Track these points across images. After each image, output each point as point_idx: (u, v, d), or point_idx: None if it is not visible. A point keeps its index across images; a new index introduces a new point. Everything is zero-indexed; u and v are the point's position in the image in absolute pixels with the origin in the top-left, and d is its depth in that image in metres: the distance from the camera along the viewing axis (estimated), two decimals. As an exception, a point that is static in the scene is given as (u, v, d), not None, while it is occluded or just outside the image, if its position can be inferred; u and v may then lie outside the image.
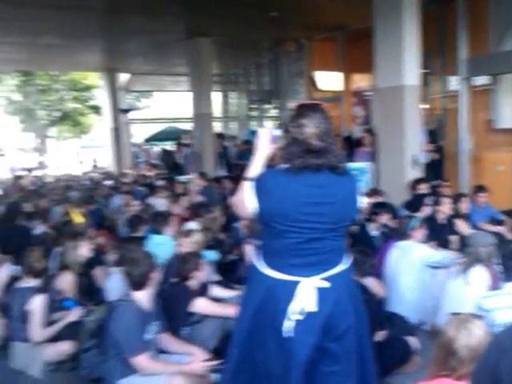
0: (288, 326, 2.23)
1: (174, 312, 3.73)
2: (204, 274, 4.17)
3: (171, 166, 15.86)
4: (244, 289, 2.54)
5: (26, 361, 3.94)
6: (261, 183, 2.31)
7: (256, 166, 2.43)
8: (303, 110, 2.32)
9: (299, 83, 13.74)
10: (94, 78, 23.25)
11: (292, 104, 2.54)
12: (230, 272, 5.49)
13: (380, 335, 3.69)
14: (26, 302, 4.03)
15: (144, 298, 3.41)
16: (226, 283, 4.92)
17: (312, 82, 12.24)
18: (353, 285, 2.48)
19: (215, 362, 3.32)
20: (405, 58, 6.95)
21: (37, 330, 4.01)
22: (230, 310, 3.88)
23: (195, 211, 6.50)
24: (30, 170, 23.02)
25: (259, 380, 2.35)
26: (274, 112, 15.75)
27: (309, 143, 2.25)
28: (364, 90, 11.65)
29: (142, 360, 3.22)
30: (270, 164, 2.45)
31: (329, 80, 12.33)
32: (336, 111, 11.70)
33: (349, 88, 12.08)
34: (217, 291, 4.44)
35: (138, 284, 3.40)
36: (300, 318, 2.23)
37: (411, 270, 4.53)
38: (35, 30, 10.87)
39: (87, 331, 3.68)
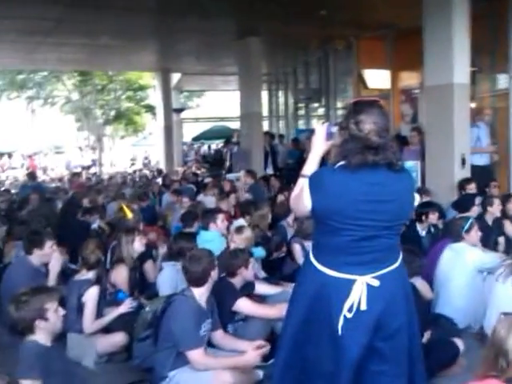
0: (340, 324, 2.23)
1: (218, 309, 3.76)
2: (251, 271, 4.18)
3: (220, 163, 16.08)
4: (296, 284, 2.54)
5: (80, 352, 4.03)
6: (317, 180, 2.30)
7: (312, 164, 2.42)
8: (360, 106, 2.29)
9: (347, 81, 13.60)
10: (149, 78, 23.74)
11: (349, 101, 2.51)
12: (276, 269, 5.52)
13: (426, 336, 3.62)
14: (81, 294, 4.13)
15: (201, 294, 3.47)
16: (271, 280, 4.95)
17: (361, 80, 12.09)
18: (407, 284, 2.45)
19: (267, 348, 3.34)
20: (454, 56, 6.78)
21: (88, 321, 4.10)
22: (273, 312, 3.90)
23: (244, 208, 6.55)
24: (86, 168, 23.82)
25: (309, 376, 2.35)
26: (321, 111, 15.64)
27: (367, 139, 2.21)
28: (412, 88, 11.43)
29: (196, 354, 3.29)
30: (325, 161, 2.44)
31: (377, 78, 12.17)
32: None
33: (397, 86, 11.87)
34: (263, 288, 4.45)
35: (196, 281, 3.47)
36: (352, 316, 2.22)
37: (463, 273, 4.37)
38: (93, 31, 11.17)
39: (143, 322, 3.75)
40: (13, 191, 12.72)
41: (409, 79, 11.66)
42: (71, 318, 4.09)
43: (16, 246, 5.67)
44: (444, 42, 6.85)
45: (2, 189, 13.61)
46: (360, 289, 2.23)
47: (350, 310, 2.22)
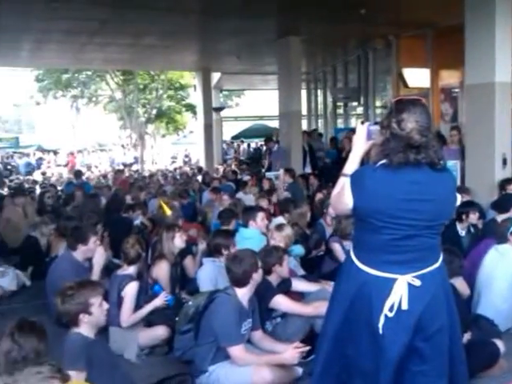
0: (381, 323, 2.22)
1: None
2: (286, 268, 4.18)
3: (258, 162, 16.13)
4: (336, 283, 2.54)
5: (122, 345, 4.13)
6: (358, 179, 2.30)
7: (353, 162, 2.42)
8: (402, 105, 2.27)
9: (386, 80, 13.44)
10: (189, 78, 24.00)
11: (389, 99, 2.51)
12: (315, 267, 5.52)
13: (466, 337, 3.57)
14: (121, 289, 4.20)
15: (243, 294, 3.51)
16: (310, 278, 4.95)
17: (400, 79, 11.93)
18: (447, 284, 2.42)
19: (306, 348, 3.34)
20: (496, 54, 6.62)
21: (125, 315, 4.16)
22: (310, 309, 3.90)
23: (283, 207, 6.57)
24: (128, 165, 24.30)
25: (349, 374, 2.36)
26: (359, 110, 15.50)
27: (409, 138, 2.20)
28: (452, 87, 11.22)
29: (237, 350, 3.34)
30: (366, 160, 2.45)
31: (417, 76, 11.98)
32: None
33: (437, 85, 11.67)
34: (301, 285, 4.45)
35: (237, 281, 3.51)
36: (393, 315, 2.22)
37: (507, 275, 4.27)
38: (137, 31, 11.38)
39: (185, 316, 3.81)
40: (58, 188, 13.14)
41: (449, 78, 11.46)
42: (112, 312, 4.14)
43: (63, 242, 5.87)
44: (486, 40, 6.69)
45: (49, 184, 14.05)
46: (401, 288, 2.22)
47: (391, 310, 2.21)
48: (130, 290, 4.20)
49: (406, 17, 10.31)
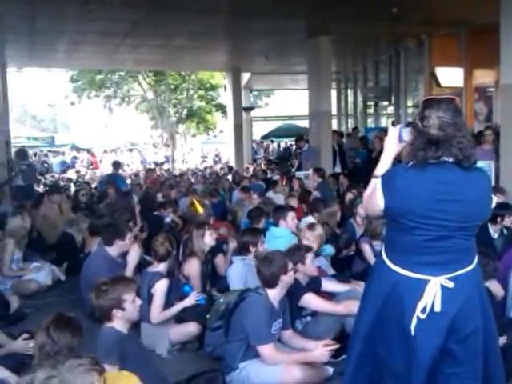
0: (413, 324, 2.19)
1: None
2: (310, 266, 4.14)
3: (288, 161, 16.08)
4: (367, 283, 2.52)
5: (154, 340, 4.16)
6: (390, 179, 2.29)
7: (384, 164, 2.41)
8: (428, 103, 2.27)
9: (418, 80, 13.25)
10: (220, 78, 24.12)
11: (422, 98, 2.49)
12: (345, 267, 5.48)
13: (502, 340, 3.47)
14: (151, 286, 4.23)
15: (274, 295, 3.50)
16: (340, 278, 4.92)
17: (433, 78, 11.73)
18: (482, 287, 2.37)
19: (335, 346, 3.32)
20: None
21: (155, 312, 4.19)
22: (339, 308, 3.88)
23: (313, 206, 6.54)
24: (159, 164, 24.57)
25: (381, 375, 2.33)
26: (390, 109, 15.31)
27: (427, 133, 2.19)
28: (487, 86, 10.98)
29: (267, 349, 3.34)
30: (397, 161, 2.42)
31: (450, 76, 11.79)
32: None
33: (470, 84, 11.48)
34: (331, 285, 4.42)
35: (266, 283, 3.52)
36: (425, 317, 2.18)
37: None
38: (169, 32, 11.52)
39: (216, 312, 3.83)
40: (92, 185, 13.36)
41: (483, 77, 11.26)
42: (144, 308, 4.18)
43: (96, 239, 5.97)
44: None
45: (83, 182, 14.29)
46: (434, 290, 2.18)
47: (423, 311, 2.18)
48: (160, 287, 4.23)
49: (439, 15, 10.16)
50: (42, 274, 5.81)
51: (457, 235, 2.20)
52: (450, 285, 2.19)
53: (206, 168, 20.36)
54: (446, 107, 2.20)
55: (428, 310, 2.17)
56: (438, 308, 2.17)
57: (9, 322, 4.59)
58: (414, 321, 2.19)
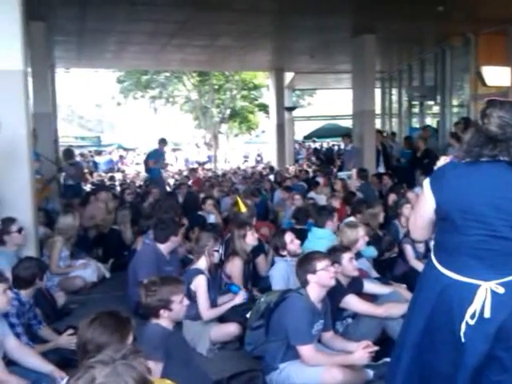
0: (463, 330, 2.14)
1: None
2: (350, 267, 4.08)
3: (330, 161, 15.96)
4: (417, 289, 2.45)
5: (195, 339, 4.19)
6: (438, 177, 2.25)
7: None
8: (492, 103, 2.23)
9: (464, 79, 12.89)
10: (262, 78, 24.17)
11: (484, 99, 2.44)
12: (388, 269, 5.39)
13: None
14: (190, 282, 4.27)
15: (315, 295, 3.49)
16: (383, 280, 4.84)
17: (479, 77, 11.39)
18: None
19: (375, 348, 3.28)
20: None
21: (204, 308, 4.22)
22: (380, 311, 3.83)
23: (356, 207, 6.46)
24: (202, 164, 24.84)
25: (427, 378, 2.28)
26: (436, 109, 14.96)
27: (486, 129, 2.15)
28: (537, 86, 10.57)
29: (307, 350, 3.32)
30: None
31: (496, 75, 11.38)
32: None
33: (519, 83, 11.04)
34: (373, 287, 4.37)
35: (302, 283, 3.52)
36: (472, 322, 2.13)
37: None
38: (214, 32, 11.63)
39: (257, 312, 3.82)
40: (136, 184, 13.64)
41: (533, 76, 10.82)
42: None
43: (141, 237, 6.08)
44: None
45: (128, 181, 14.62)
46: (484, 295, 2.12)
47: (472, 317, 2.12)
48: (199, 282, 4.27)
49: (486, 13, 9.90)
50: (87, 270, 5.90)
51: (509, 237, 2.12)
52: (501, 290, 2.11)
53: (248, 168, 20.41)
54: (508, 108, 2.17)
55: (477, 315, 2.11)
56: (487, 314, 2.11)
57: (55, 318, 4.70)
58: (464, 326, 2.13)
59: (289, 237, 4.66)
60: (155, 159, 11.14)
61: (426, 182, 2.28)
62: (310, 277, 3.47)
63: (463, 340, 2.13)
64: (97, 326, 2.34)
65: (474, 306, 2.12)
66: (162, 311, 3.04)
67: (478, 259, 2.15)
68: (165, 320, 3.09)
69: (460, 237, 2.18)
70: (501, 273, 2.13)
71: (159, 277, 3.24)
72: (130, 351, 1.59)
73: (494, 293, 2.11)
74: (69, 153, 10.59)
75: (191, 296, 4.24)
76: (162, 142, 11.61)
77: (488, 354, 2.13)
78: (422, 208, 2.32)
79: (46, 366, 3.34)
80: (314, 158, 18.80)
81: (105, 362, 1.48)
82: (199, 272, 4.35)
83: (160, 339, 3.00)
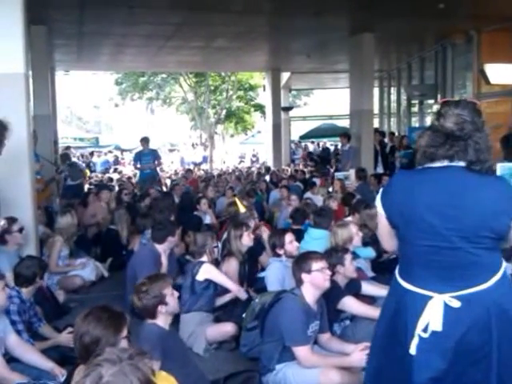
0: (415, 343, 2.03)
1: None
2: (351, 268, 4.08)
3: (326, 161, 15.93)
4: (387, 293, 2.39)
5: (191, 339, 4.18)
6: (386, 190, 2.20)
7: None
8: (446, 102, 2.14)
9: (466, 77, 12.86)
10: (259, 78, 24.17)
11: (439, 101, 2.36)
12: (387, 271, 5.35)
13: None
14: (196, 273, 4.36)
15: (310, 295, 3.46)
16: (381, 280, 4.80)
17: (482, 76, 11.36)
18: (504, 305, 2.03)
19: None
20: None
21: (232, 286, 4.45)
22: (378, 313, 3.76)
23: (353, 208, 6.44)
24: (198, 164, 24.81)
25: None
26: (436, 108, 14.92)
27: (442, 126, 2.03)
28: (540, 84, 10.55)
29: (303, 351, 3.29)
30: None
31: (500, 73, 11.35)
32: (506, 106, 10.72)
33: (522, 81, 11.03)
34: (371, 288, 4.34)
35: (297, 282, 3.49)
36: (426, 336, 2.01)
37: None
38: (210, 34, 11.65)
39: (252, 312, 3.82)
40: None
41: (536, 74, 10.81)
42: (185, 298, 4.30)
43: (139, 236, 6.07)
44: None
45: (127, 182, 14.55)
46: (435, 308, 2.00)
47: (425, 330, 2.01)
48: (207, 268, 4.37)
49: (489, 10, 9.85)
50: (86, 269, 5.97)
51: (464, 248, 1.98)
52: (456, 304, 1.98)
53: (243, 168, 20.38)
54: (464, 105, 2.06)
55: (428, 328, 2.01)
56: (438, 328, 1.99)
57: (55, 316, 4.75)
58: (416, 339, 2.03)
59: (289, 237, 4.64)
60: (138, 161, 11.18)
61: (378, 196, 2.22)
62: (304, 276, 3.43)
63: (413, 352, 2.03)
64: (91, 320, 2.40)
65: (425, 319, 2.01)
66: (159, 307, 3.07)
67: (430, 270, 2.04)
68: (162, 318, 3.11)
69: (411, 247, 2.09)
70: (457, 285, 2.00)
71: (145, 277, 3.27)
72: (136, 352, 1.63)
73: (447, 306, 2.00)
74: (65, 156, 10.88)
75: (194, 288, 4.30)
76: (142, 141, 11.16)
77: (454, 371, 2.01)
78: (379, 222, 2.25)
79: (46, 363, 3.43)
80: (308, 161, 18.75)
81: (112, 361, 1.54)
82: (203, 262, 4.42)
83: (157, 338, 3.01)
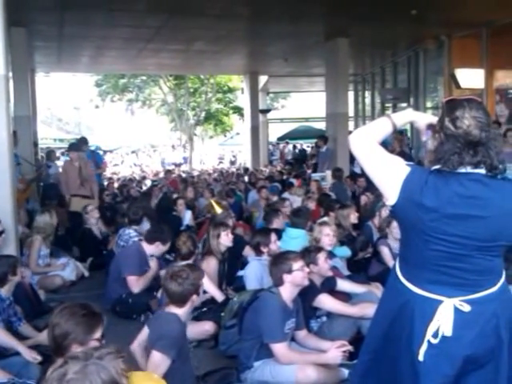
0: (423, 349, 1.95)
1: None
2: (325, 267, 4.05)
3: (304, 163, 15.98)
4: (382, 297, 2.30)
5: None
6: (408, 179, 1.93)
7: (406, 117, 2.13)
8: (456, 103, 1.95)
9: (437, 81, 13.05)
10: (237, 81, 24.17)
11: (442, 100, 2.21)
12: (362, 269, 5.38)
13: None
14: None
15: (287, 293, 3.45)
16: (356, 279, 4.81)
17: (453, 80, 11.54)
18: (510, 309, 2.01)
19: (349, 347, 3.26)
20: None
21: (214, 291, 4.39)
22: (354, 310, 3.80)
23: (327, 207, 6.46)
24: (177, 165, 24.70)
25: None
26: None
27: (468, 133, 1.86)
28: (508, 88, 10.75)
29: (280, 348, 3.28)
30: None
31: (470, 77, 11.53)
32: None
33: (491, 86, 11.21)
34: (346, 285, 4.33)
35: (274, 282, 3.48)
36: (436, 341, 1.93)
37: None
38: (189, 37, 11.59)
39: (230, 311, 3.81)
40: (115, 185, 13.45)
41: (504, 78, 11.03)
42: (164, 299, 4.19)
43: (118, 235, 6.00)
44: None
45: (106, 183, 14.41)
46: (446, 312, 1.93)
47: (435, 336, 1.93)
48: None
49: (459, 16, 9.97)
50: (66, 269, 5.89)
51: (476, 255, 1.90)
52: (466, 308, 1.91)
53: (223, 169, 20.34)
54: (476, 106, 1.91)
55: (440, 334, 1.93)
56: (448, 332, 1.92)
57: (35, 315, 4.67)
58: (425, 345, 1.94)
59: (274, 237, 4.66)
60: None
61: (407, 168, 1.95)
62: (285, 276, 3.42)
63: (421, 358, 1.95)
64: (65, 313, 2.36)
65: (436, 324, 1.94)
66: (193, 296, 3.10)
67: (440, 275, 1.96)
68: (188, 307, 3.11)
69: (422, 251, 1.98)
70: (467, 290, 1.94)
71: (183, 265, 3.31)
72: (109, 352, 1.59)
73: (457, 310, 1.93)
74: (50, 154, 10.77)
75: None
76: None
77: (455, 376, 1.96)
78: (389, 165, 1.98)
79: (15, 344, 3.44)
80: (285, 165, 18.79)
81: (78, 358, 1.52)
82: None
83: (177, 337, 2.97)
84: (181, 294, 3.06)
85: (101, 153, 15.20)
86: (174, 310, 3.08)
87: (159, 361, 2.85)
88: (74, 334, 2.28)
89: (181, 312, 3.08)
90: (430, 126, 2.06)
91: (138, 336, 3.24)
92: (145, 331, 3.20)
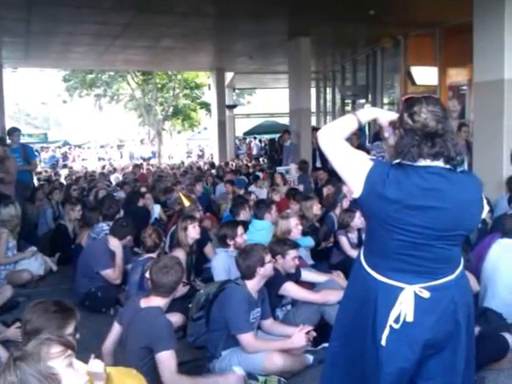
0: (386, 334, 1.96)
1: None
2: (290, 263, 4.01)
3: (270, 157, 15.97)
4: (348, 284, 2.30)
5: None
6: (371, 172, 1.93)
7: (370, 113, 2.15)
8: (414, 100, 1.97)
9: (394, 78, 13.26)
10: (204, 78, 23.96)
11: (400, 98, 2.20)
12: (325, 258, 5.40)
13: (476, 330, 3.39)
14: (146, 270, 4.07)
15: (252, 285, 3.42)
16: (319, 267, 4.83)
17: (409, 77, 11.73)
18: (466, 294, 2.06)
19: (312, 332, 3.27)
20: (506, 52, 6.38)
21: None
22: (317, 297, 3.81)
23: (292, 198, 6.46)
24: (146, 159, 24.32)
25: (352, 377, 2.13)
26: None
27: (425, 125, 1.88)
28: (460, 85, 10.99)
29: (247, 338, 3.24)
30: None
31: (425, 74, 11.80)
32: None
33: (444, 82, 11.45)
34: (310, 275, 4.35)
35: (243, 274, 3.43)
36: (397, 327, 1.95)
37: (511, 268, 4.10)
38: (156, 34, 11.41)
39: (197, 303, 3.74)
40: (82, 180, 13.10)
41: (457, 75, 11.27)
42: (132, 292, 4.18)
43: (87, 230, 5.83)
44: (495, 37, 6.46)
45: (74, 177, 14.04)
46: (407, 298, 1.94)
47: (396, 321, 1.95)
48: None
49: (415, 17, 10.17)
50: (34, 264, 5.72)
51: (436, 244, 1.93)
52: (426, 294, 1.93)
53: (190, 163, 20.17)
54: (434, 102, 1.94)
55: (401, 319, 1.95)
56: (409, 318, 1.93)
57: (2, 310, 4.54)
58: (387, 330, 1.96)
59: (240, 230, 4.60)
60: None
61: (371, 163, 1.95)
62: (258, 269, 3.38)
63: (383, 343, 1.96)
64: (37, 309, 2.31)
65: (397, 310, 1.95)
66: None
67: (402, 264, 1.97)
68: (168, 299, 3.09)
69: (384, 241, 1.99)
70: (427, 277, 1.96)
71: (168, 257, 3.36)
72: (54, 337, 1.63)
73: (418, 296, 1.94)
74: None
75: (143, 285, 4.14)
76: (9, 133, 8.14)
77: (416, 360, 1.99)
78: (354, 160, 1.99)
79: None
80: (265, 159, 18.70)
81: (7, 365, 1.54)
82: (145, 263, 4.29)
83: (169, 327, 2.95)
84: (170, 284, 3.03)
85: (34, 148, 12.18)
86: (154, 302, 3.02)
87: (168, 359, 2.79)
88: (45, 330, 2.18)
89: (162, 303, 3.05)
90: (392, 123, 2.07)
91: (110, 334, 3.16)
92: (116, 329, 3.13)
